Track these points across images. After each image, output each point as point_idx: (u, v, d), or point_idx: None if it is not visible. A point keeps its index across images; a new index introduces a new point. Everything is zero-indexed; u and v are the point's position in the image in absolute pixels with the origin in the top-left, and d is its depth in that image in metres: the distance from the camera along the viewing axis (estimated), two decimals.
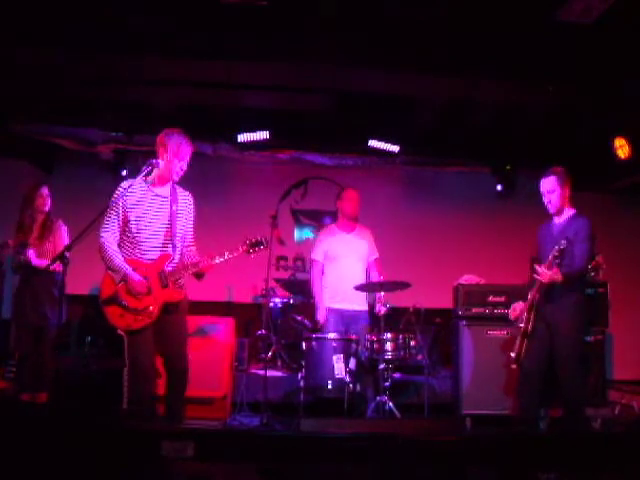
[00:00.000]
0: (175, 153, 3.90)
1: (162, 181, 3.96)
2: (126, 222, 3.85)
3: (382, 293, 5.16)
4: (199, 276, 3.99)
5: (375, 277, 5.40)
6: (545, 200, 4.45)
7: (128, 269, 3.80)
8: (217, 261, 3.90)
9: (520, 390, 4.55)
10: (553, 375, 4.31)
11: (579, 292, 4.37)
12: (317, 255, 5.49)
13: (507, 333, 5.37)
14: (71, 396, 4.93)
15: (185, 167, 3.99)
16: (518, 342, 4.37)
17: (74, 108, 6.41)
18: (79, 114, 6.49)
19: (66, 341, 6.74)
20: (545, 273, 4.18)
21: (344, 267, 5.37)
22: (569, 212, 4.45)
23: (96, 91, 5.98)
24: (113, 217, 3.84)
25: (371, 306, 5.44)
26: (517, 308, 4.50)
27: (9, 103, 6.23)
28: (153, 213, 3.89)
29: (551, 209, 4.45)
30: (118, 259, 3.81)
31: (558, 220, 4.47)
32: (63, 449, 2.80)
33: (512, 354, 4.39)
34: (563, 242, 4.14)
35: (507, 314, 4.62)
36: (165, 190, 3.97)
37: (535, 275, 4.26)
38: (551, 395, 4.62)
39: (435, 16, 4.78)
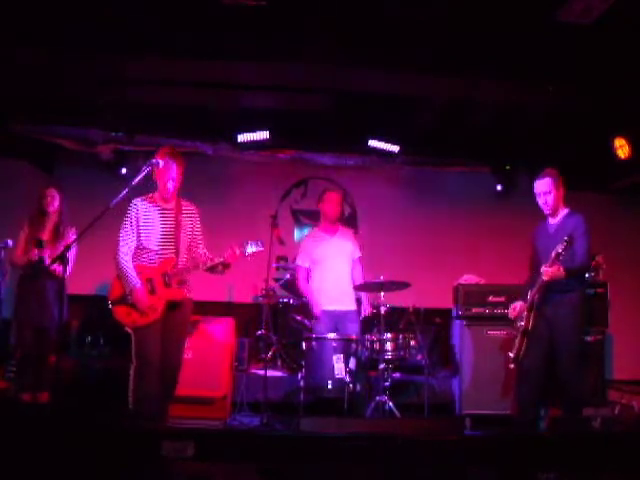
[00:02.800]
0: (162, 176, 4.17)
1: (163, 198, 4.24)
2: (138, 234, 4.16)
3: (366, 294, 5.41)
4: (225, 266, 4.22)
5: (358, 275, 5.50)
6: (540, 201, 4.47)
7: (137, 286, 4.02)
8: (216, 262, 4.15)
9: (519, 389, 4.56)
10: (553, 375, 4.32)
11: (579, 291, 4.38)
12: (302, 261, 5.54)
13: (506, 333, 5.33)
14: (71, 396, 4.92)
15: (175, 183, 4.21)
16: (518, 341, 4.38)
17: (74, 108, 6.41)
18: (79, 114, 6.48)
19: (66, 341, 6.74)
20: (548, 270, 4.21)
21: (331, 269, 5.41)
22: (563, 211, 4.49)
23: (96, 91, 5.97)
24: (129, 232, 4.14)
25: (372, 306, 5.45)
26: (517, 307, 4.52)
27: (9, 103, 6.22)
28: (160, 225, 4.19)
29: (547, 210, 4.48)
30: (132, 275, 4.07)
31: (553, 220, 4.51)
32: (64, 449, 2.80)
33: (511, 354, 4.41)
34: (566, 239, 4.15)
35: (507, 313, 4.62)
36: (170, 204, 4.27)
37: (541, 274, 4.26)
38: (551, 395, 4.63)
39: (435, 16, 4.77)
